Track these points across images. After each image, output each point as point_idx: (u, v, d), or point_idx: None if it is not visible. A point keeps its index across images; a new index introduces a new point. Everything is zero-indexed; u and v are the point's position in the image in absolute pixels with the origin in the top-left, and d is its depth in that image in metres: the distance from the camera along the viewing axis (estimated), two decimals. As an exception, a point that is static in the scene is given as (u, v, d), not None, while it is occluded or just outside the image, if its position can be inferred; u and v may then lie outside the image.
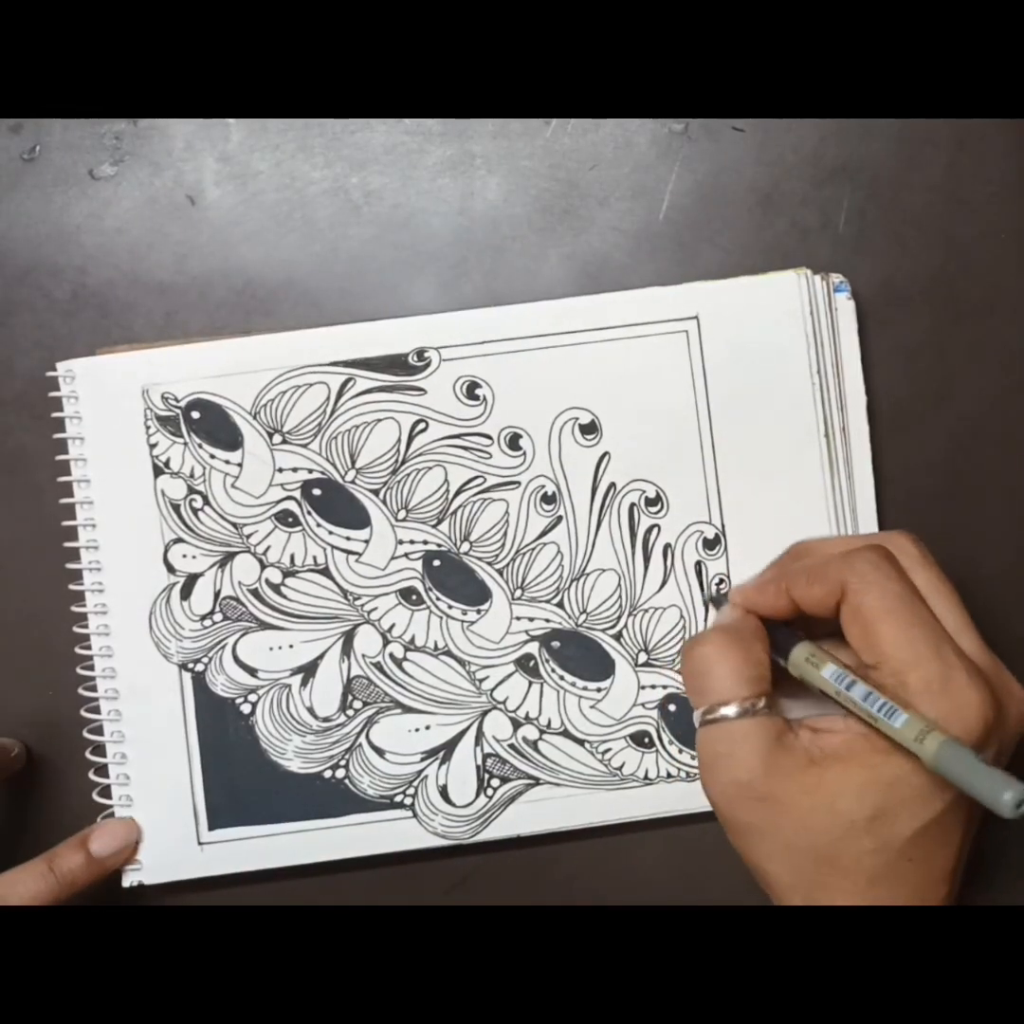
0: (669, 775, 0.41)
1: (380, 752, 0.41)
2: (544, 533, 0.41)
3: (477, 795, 0.41)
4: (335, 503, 0.41)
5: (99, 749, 0.41)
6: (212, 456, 0.41)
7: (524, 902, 0.42)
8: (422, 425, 0.41)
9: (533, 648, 0.41)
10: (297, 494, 0.41)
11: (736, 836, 0.35)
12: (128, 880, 0.41)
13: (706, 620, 0.41)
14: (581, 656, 0.41)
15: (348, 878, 0.42)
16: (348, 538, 0.41)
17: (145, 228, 0.42)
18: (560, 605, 0.41)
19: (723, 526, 0.41)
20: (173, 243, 0.42)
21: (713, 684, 0.35)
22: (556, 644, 0.41)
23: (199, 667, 0.41)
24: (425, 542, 0.41)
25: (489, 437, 0.41)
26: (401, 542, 0.41)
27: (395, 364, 0.41)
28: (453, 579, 0.41)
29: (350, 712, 0.41)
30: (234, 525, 0.41)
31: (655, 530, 0.41)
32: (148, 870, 0.41)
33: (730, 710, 0.34)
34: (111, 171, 0.42)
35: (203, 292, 0.42)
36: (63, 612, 0.41)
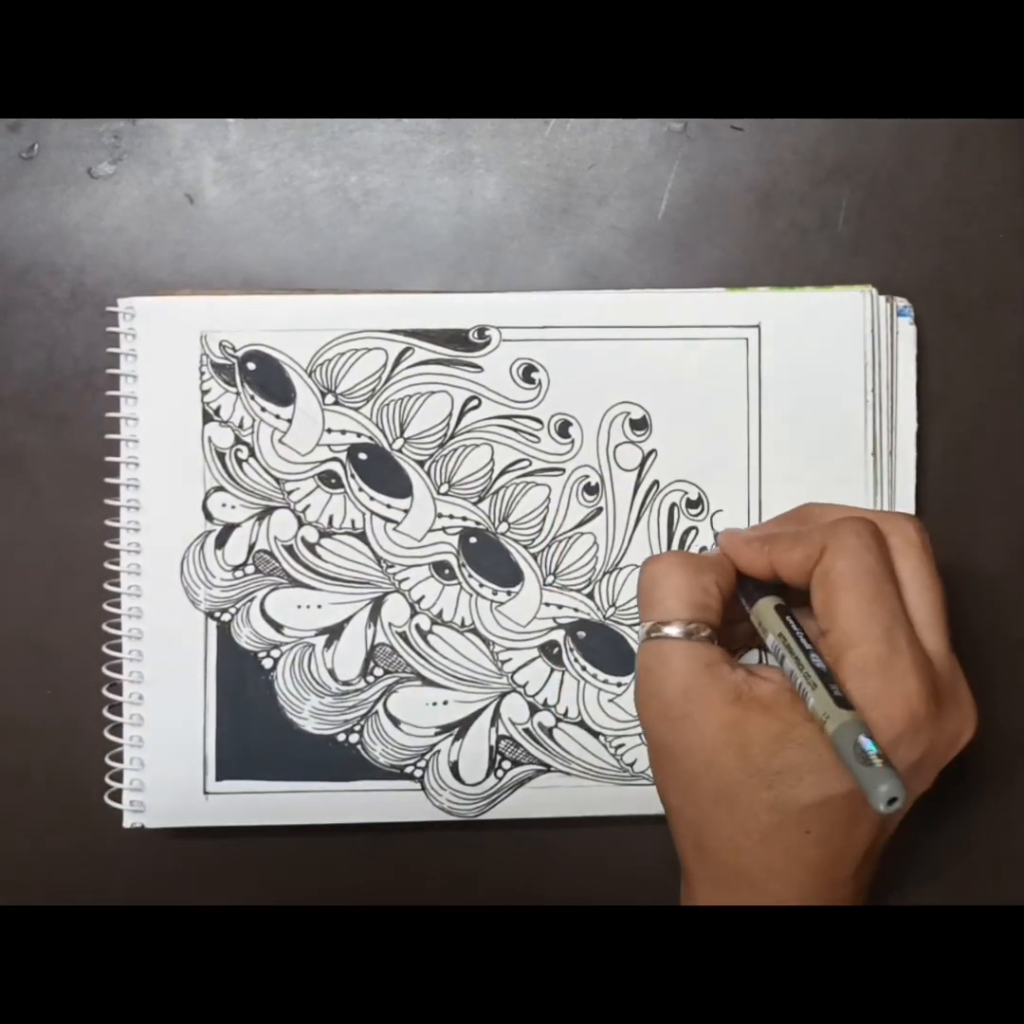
0: (678, 777, 0.41)
1: (396, 722, 0.41)
2: (582, 523, 0.41)
3: (487, 775, 0.41)
4: (380, 469, 0.41)
5: (116, 687, 0.41)
6: (263, 409, 0.41)
7: (525, 902, 0.42)
8: (475, 402, 0.41)
9: (558, 635, 0.41)
10: (343, 456, 0.41)
11: (652, 756, 0.36)
12: (129, 821, 0.41)
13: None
14: (605, 649, 0.41)
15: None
16: (388, 506, 0.41)
17: (144, 227, 0.42)
18: (590, 596, 0.41)
19: (760, 536, 0.41)
20: (172, 242, 0.42)
21: (659, 601, 0.35)
22: (582, 634, 0.41)
23: (225, 617, 0.41)
24: (464, 518, 0.41)
25: (539, 421, 0.41)
26: (440, 516, 0.41)
27: (455, 339, 0.41)
28: (487, 558, 0.41)
29: (370, 678, 0.41)
30: (277, 480, 0.41)
31: (693, 532, 0.41)
32: (151, 814, 0.41)
33: (672, 630, 0.35)
34: (110, 170, 0.42)
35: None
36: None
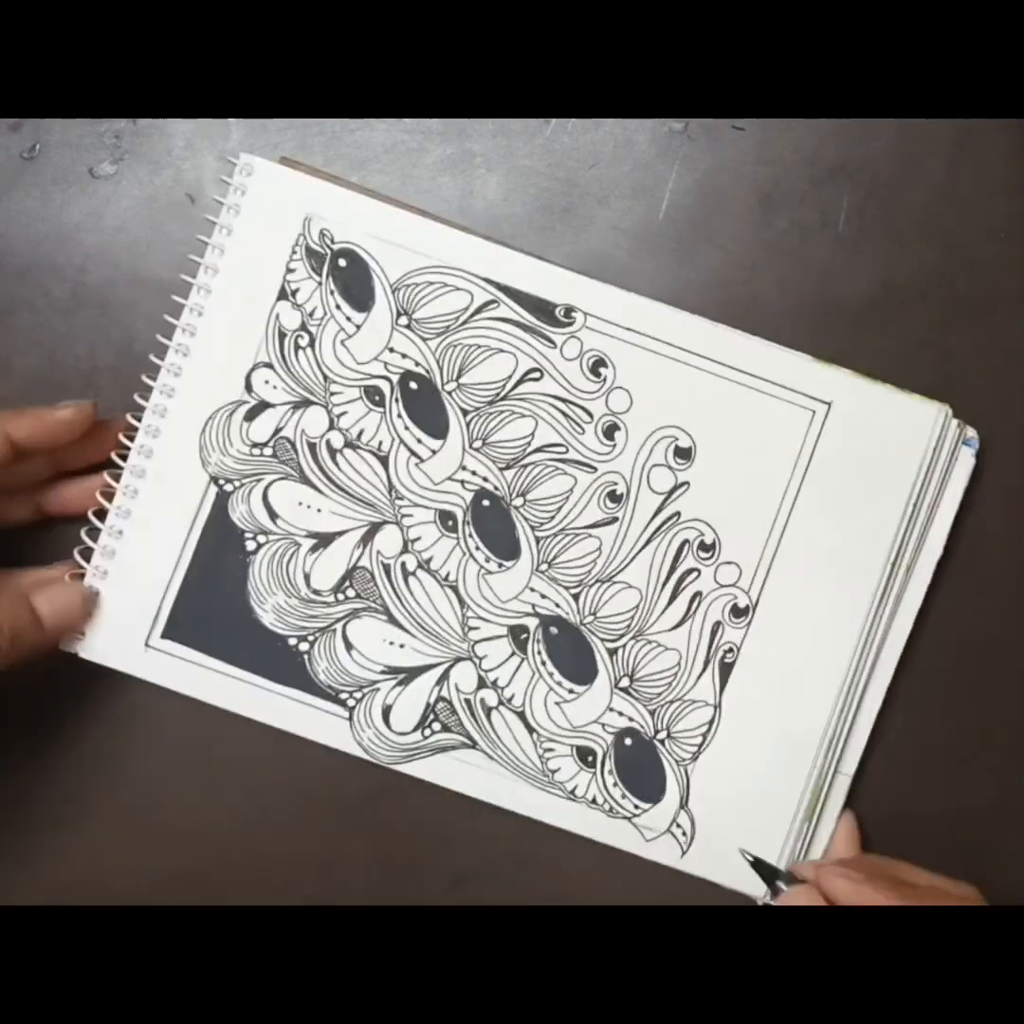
0: (594, 801, 0.41)
1: (349, 646, 0.41)
2: (594, 525, 0.41)
3: (415, 729, 0.41)
4: (424, 404, 0.41)
5: (101, 513, 0.41)
6: (338, 306, 0.41)
7: (521, 902, 0.42)
8: (537, 374, 0.41)
9: (532, 623, 0.41)
10: (395, 379, 0.41)
11: None
12: (65, 644, 0.41)
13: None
14: (571, 653, 0.41)
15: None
16: (419, 440, 0.41)
17: (145, 227, 0.43)
18: (576, 597, 0.41)
19: (757, 602, 0.41)
20: (173, 242, 0.43)
21: None
22: (554, 630, 0.41)
23: (228, 487, 0.41)
24: (485, 479, 0.41)
25: (591, 416, 0.41)
26: (464, 468, 0.41)
27: (541, 309, 0.41)
28: (493, 525, 0.41)
29: (341, 596, 0.41)
30: (325, 377, 0.41)
31: (694, 574, 0.41)
32: (88, 646, 0.41)
33: None
34: (111, 170, 0.42)
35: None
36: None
